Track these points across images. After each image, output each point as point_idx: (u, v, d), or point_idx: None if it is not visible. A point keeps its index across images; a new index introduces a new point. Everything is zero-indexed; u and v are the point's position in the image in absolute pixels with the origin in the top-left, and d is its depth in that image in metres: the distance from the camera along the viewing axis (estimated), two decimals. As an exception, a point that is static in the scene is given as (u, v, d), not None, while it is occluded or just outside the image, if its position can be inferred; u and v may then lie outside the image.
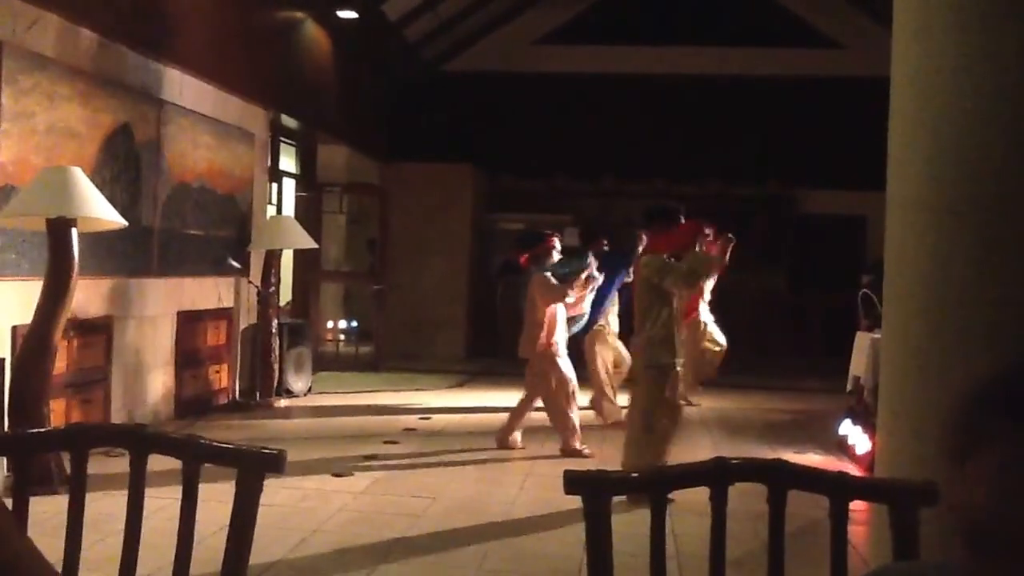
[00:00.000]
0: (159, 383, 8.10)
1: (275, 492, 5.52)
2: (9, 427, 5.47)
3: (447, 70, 15.48)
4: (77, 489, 1.80)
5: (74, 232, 5.53)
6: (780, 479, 1.72)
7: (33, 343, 5.57)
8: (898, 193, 3.59)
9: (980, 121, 3.21)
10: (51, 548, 1.07)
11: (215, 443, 1.78)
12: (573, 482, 1.67)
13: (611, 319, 8.74)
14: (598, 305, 8.18)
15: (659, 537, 1.69)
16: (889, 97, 3.68)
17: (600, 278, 7.64)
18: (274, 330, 9.39)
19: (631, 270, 7.64)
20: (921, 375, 3.42)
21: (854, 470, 6.37)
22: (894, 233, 3.63)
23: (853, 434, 7.42)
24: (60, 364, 6.20)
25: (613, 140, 15.03)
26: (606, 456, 7.34)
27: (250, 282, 9.45)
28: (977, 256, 3.23)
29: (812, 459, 7.18)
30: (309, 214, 11.71)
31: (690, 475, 1.76)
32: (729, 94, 14.90)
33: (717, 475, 1.73)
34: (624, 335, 8.35)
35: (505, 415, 7.66)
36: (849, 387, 8.14)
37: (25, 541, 1.04)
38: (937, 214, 3.34)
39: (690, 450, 7.21)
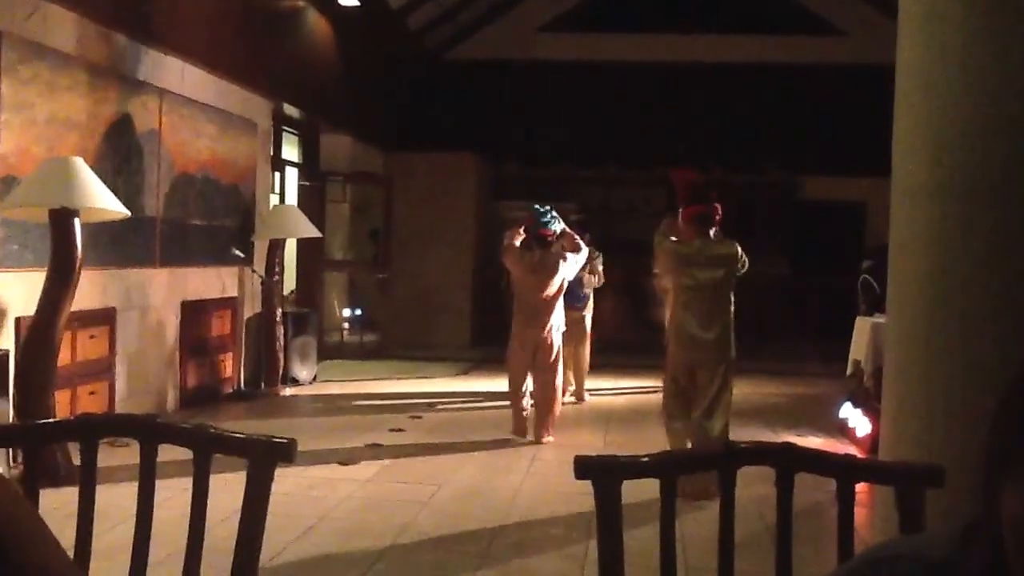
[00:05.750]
0: (164, 373, 8.11)
1: (282, 481, 5.51)
2: (15, 418, 5.48)
3: (450, 58, 15.46)
4: (88, 479, 1.80)
5: (77, 223, 5.53)
6: (788, 462, 1.73)
7: (37, 334, 5.58)
8: (903, 179, 3.59)
9: (985, 107, 3.21)
10: (61, 538, 1.08)
11: (225, 433, 1.78)
12: (583, 467, 1.67)
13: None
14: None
15: (669, 520, 1.70)
16: (891, 84, 3.68)
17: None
18: (279, 319, 9.41)
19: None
20: (925, 359, 3.43)
21: (855, 453, 6.39)
22: (899, 219, 3.63)
23: (853, 417, 7.47)
24: (64, 355, 6.20)
25: (616, 127, 15.02)
26: (611, 441, 7.38)
27: (254, 271, 9.46)
28: (981, 242, 3.23)
29: (813, 442, 7.20)
30: (312, 203, 11.71)
31: (699, 459, 1.77)
32: (732, 81, 14.88)
33: (726, 459, 1.74)
34: None
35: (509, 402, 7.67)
36: (849, 371, 8.17)
37: (39, 524, 1.05)
38: (942, 200, 3.34)
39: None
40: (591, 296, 9.24)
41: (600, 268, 9.14)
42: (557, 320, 7.36)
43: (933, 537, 1.08)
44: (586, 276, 8.73)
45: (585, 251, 7.64)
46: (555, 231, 7.40)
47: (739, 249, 5.92)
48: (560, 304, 7.39)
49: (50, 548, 1.03)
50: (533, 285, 7.28)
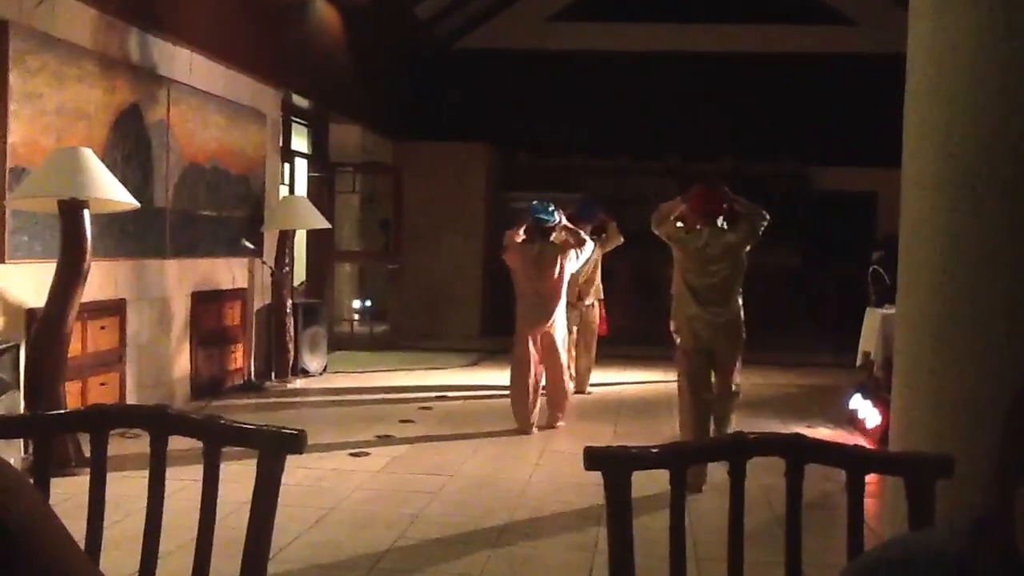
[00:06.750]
0: (174, 364, 8.13)
1: (292, 471, 5.51)
2: (26, 409, 5.50)
3: (460, 48, 15.43)
4: (98, 470, 1.81)
5: (86, 214, 5.54)
6: (798, 453, 1.73)
7: (48, 326, 5.59)
8: (914, 170, 3.58)
9: (996, 97, 3.19)
10: (71, 528, 1.08)
11: (235, 424, 1.79)
12: (593, 458, 1.67)
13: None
14: None
15: (678, 511, 1.70)
16: (902, 74, 3.66)
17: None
18: (289, 310, 9.43)
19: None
20: (935, 350, 3.42)
21: (865, 444, 6.38)
22: (909, 210, 3.62)
23: (863, 408, 7.46)
24: (75, 346, 6.22)
25: (627, 118, 14.98)
26: (621, 432, 7.38)
27: (264, 262, 9.47)
28: (992, 233, 3.22)
29: (823, 433, 7.20)
30: (322, 194, 11.72)
31: (709, 450, 1.76)
32: (742, 71, 14.82)
33: (736, 449, 1.74)
34: None
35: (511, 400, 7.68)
36: (859, 362, 8.15)
37: (50, 516, 1.05)
38: (952, 191, 3.33)
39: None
40: (601, 287, 9.23)
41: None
42: (561, 312, 7.39)
43: (940, 534, 1.08)
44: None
45: (590, 244, 7.66)
46: (555, 222, 7.45)
47: (748, 228, 5.92)
48: (564, 296, 7.43)
49: (61, 540, 1.03)
50: (533, 276, 7.33)
